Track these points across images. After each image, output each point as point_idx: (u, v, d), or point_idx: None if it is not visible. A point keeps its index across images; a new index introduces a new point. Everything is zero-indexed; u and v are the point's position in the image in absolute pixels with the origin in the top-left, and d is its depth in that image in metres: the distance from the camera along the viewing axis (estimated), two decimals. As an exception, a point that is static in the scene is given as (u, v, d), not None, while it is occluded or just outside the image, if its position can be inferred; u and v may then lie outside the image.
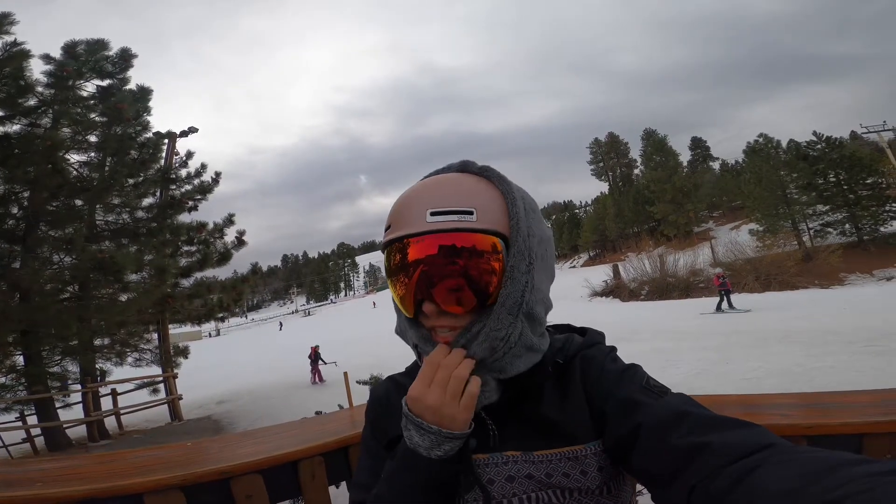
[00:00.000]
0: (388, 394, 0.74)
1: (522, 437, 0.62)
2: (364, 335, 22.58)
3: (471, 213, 0.59)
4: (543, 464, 0.60)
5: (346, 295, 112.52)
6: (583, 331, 0.74)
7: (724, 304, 16.54)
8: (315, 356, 14.68)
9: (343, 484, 1.33)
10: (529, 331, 0.62)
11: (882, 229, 25.41)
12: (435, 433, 0.56)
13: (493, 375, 0.62)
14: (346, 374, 8.55)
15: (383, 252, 0.66)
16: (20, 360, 9.87)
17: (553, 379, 0.65)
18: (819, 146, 29.41)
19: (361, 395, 8.14)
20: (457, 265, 0.58)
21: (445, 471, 0.58)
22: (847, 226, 27.05)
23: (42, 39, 9.74)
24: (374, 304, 58.70)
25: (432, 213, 0.59)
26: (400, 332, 0.70)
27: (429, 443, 0.57)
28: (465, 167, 0.67)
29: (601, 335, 0.73)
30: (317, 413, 6.69)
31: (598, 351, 0.67)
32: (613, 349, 0.69)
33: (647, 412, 0.55)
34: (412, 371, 0.75)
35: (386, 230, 0.64)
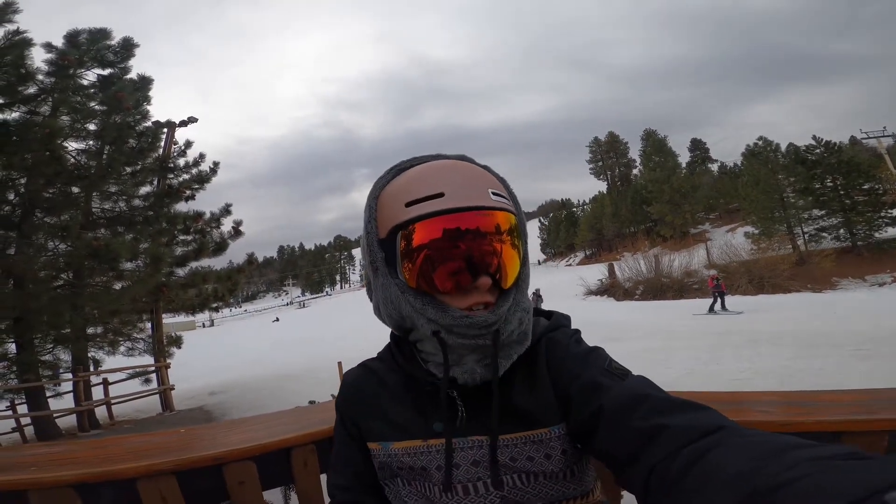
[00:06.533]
0: (358, 380, 0.73)
1: (488, 421, 0.62)
2: (359, 326, 22.50)
3: (508, 200, 0.65)
4: (508, 448, 0.61)
5: (341, 287, 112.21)
6: (549, 314, 0.74)
7: (717, 306, 16.64)
8: None
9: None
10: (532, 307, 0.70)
11: (876, 235, 25.52)
12: None
13: (515, 350, 0.64)
14: (339, 363, 8.55)
15: (428, 218, 0.60)
16: (12, 347, 9.82)
17: (520, 362, 0.66)
18: (818, 150, 29.47)
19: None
20: (516, 244, 0.63)
21: None
22: (842, 231, 27.16)
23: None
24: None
25: (494, 193, 0.63)
26: (407, 317, 0.64)
27: None
28: (466, 159, 0.69)
29: (567, 318, 0.74)
30: (310, 402, 6.70)
31: (562, 334, 0.68)
32: (577, 332, 0.70)
33: (608, 395, 0.56)
34: (384, 356, 0.75)
35: (426, 198, 0.60)
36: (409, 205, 0.61)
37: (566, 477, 0.61)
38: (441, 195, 0.60)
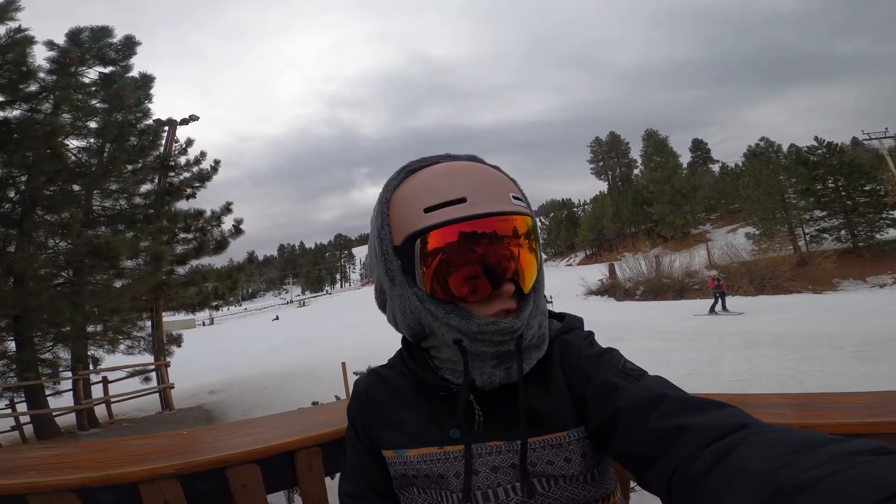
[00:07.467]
0: (369, 388, 0.72)
1: (505, 425, 0.61)
2: (359, 324, 22.53)
3: (525, 203, 0.64)
4: (528, 452, 0.60)
5: (342, 286, 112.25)
6: (561, 316, 0.73)
7: (718, 307, 16.64)
8: None
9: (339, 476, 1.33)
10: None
11: (877, 236, 25.49)
12: None
13: (535, 355, 0.63)
14: (343, 364, 8.53)
15: (451, 225, 0.58)
16: (12, 345, 9.81)
17: (534, 365, 0.65)
18: (819, 151, 29.43)
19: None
20: (533, 248, 0.62)
21: None
22: (843, 232, 27.14)
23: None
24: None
25: (514, 197, 0.61)
26: (426, 326, 0.62)
27: None
28: (476, 160, 0.68)
29: (579, 320, 0.73)
30: (313, 403, 6.70)
31: (575, 336, 0.67)
32: (591, 334, 0.69)
33: (624, 396, 0.55)
34: (394, 363, 0.73)
35: (447, 203, 0.58)
36: (428, 210, 0.59)
37: (587, 480, 0.61)
38: (463, 200, 0.58)
